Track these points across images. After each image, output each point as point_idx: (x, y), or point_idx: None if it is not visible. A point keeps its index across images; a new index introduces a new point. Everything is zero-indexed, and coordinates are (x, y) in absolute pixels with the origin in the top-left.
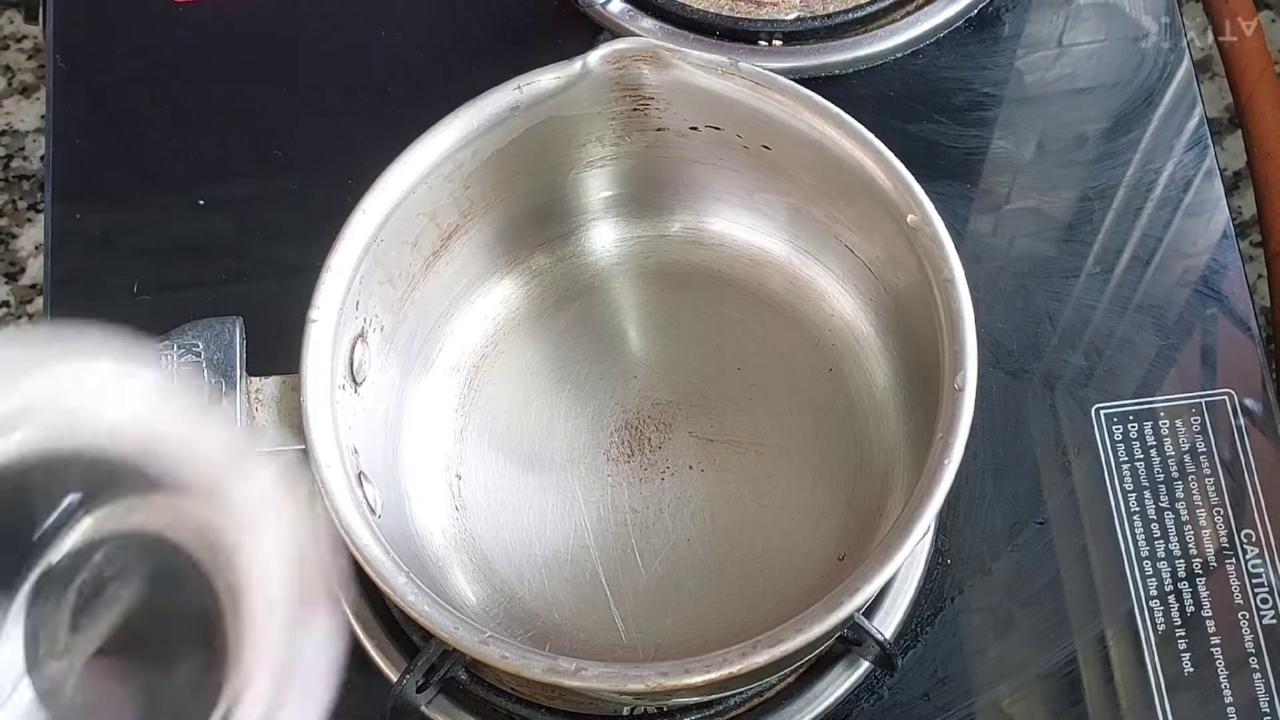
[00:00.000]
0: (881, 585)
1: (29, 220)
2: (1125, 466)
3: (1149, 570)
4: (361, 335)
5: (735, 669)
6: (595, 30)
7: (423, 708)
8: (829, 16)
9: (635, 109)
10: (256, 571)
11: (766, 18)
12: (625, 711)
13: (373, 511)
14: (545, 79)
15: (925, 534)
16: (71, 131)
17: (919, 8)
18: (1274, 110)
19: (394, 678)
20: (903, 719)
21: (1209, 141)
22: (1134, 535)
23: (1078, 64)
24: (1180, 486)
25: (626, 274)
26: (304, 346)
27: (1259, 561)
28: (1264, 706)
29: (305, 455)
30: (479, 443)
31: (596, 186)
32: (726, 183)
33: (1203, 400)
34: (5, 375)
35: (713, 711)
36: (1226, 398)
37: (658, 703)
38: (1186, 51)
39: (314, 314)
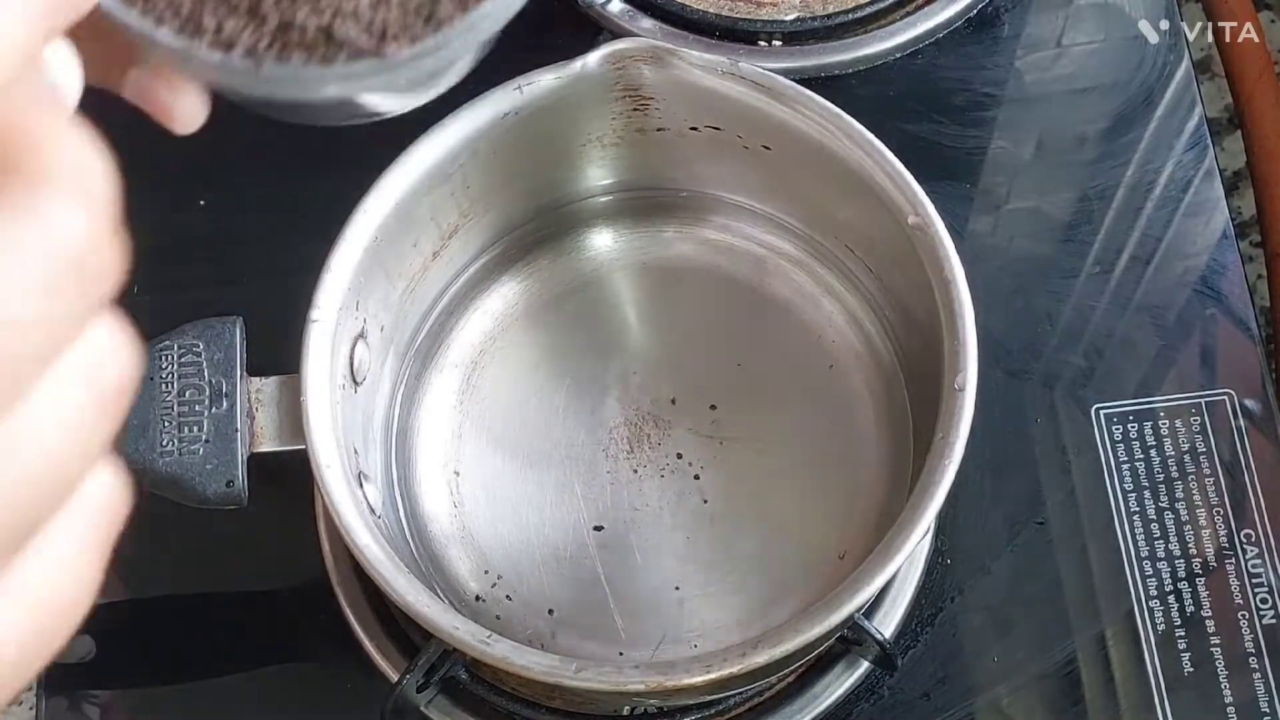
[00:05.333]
0: (882, 585)
1: None
2: (1125, 466)
3: (1149, 570)
4: (361, 335)
5: (735, 669)
6: (595, 30)
7: (423, 707)
8: (828, 17)
9: (635, 109)
10: None
11: (766, 18)
12: (625, 711)
13: (373, 511)
14: (545, 79)
15: (925, 534)
16: None
17: (918, 8)
18: (1274, 110)
19: (394, 678)
20: (903, 719)
21: (1209, 141)
22: (1134, 535)
23: (1077, 64)
24: (1180, 486)
25: (626, 272)
26: (304, 346)
27: (1259, 561)
28: (1264, 706)
29: (305, 455)
30: (478, 440)
31: (596, 186)
32: (726, 182)
33: (1202, 400)
34: None
35: (713, 711)
36: (1226, 398)
37: (658, 703)
38: (1186, 51)
39: (314, 314)
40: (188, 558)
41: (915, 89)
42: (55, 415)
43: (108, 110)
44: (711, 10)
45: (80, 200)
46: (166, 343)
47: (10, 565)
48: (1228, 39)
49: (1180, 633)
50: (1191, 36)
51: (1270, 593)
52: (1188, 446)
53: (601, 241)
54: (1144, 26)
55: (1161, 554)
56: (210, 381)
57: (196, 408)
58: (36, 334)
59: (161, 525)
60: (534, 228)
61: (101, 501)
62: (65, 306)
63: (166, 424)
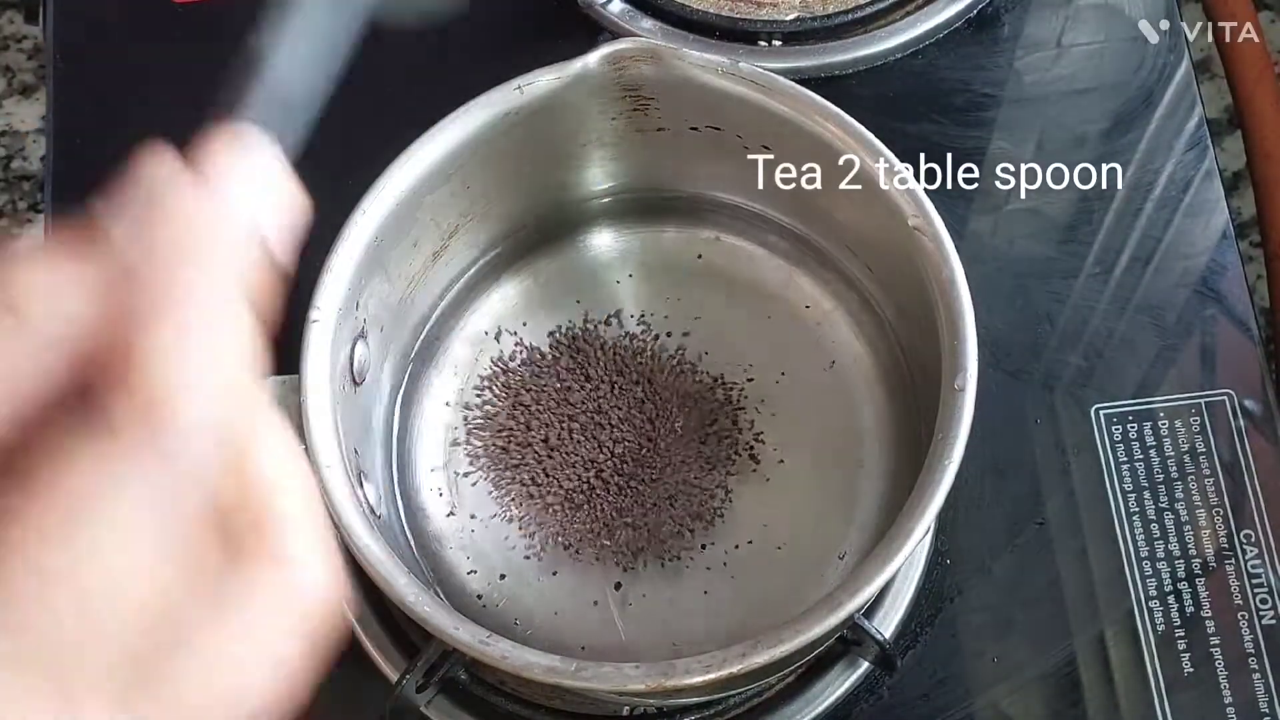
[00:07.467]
0: (881, 585)
1: (29, 221)
2: (1125, 467)
3: (1148, 570)
4: (361, 335)
5: (735, 669)
6: (595, 30)
7: (423, 708)
8: (828, 17)
9: (635, 109)
10: None
11: (766, 18)
12: (625, 711)
13: (373, 512)
14: (545, 79)
15: (925, 534)
16: (71, 132)
17: (918, 8)
18: (1274, 111)
19: (394, 678)
20: (902, 719)
21: (1208, 142)
22: (1133, 536)
23: (1077, 64)
24: (1180, 487)
25: (626, 273)
26: (304, 346)
27: (1258, 562)
28: (1264, 707)
29: (306, 455)
30: (479, 441)
31: (596, 186)
32: (727, 183)
33: (1202, 401)
34: None
35: (712, 712)
36: (1226, 398)
37: (658, 703)
38: (1186, 52)
39: (314, 314)
40: None
41: (915, 89)
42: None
43: (110, 111)
44: (711, 10)
45: (323, 558)
46: None
47: None
48: (1228, 39)
49: (1180, 633)
50: (1191, 37)
51: (1270, 593)
52: (1188, 447)
53: (601, 241)
54: (1144, 27)
55: (1161, 554)
56: None
57: None
58: (289, 674)
59: None
60: (534, 228)
61: None
62: (315, 644)
63: None
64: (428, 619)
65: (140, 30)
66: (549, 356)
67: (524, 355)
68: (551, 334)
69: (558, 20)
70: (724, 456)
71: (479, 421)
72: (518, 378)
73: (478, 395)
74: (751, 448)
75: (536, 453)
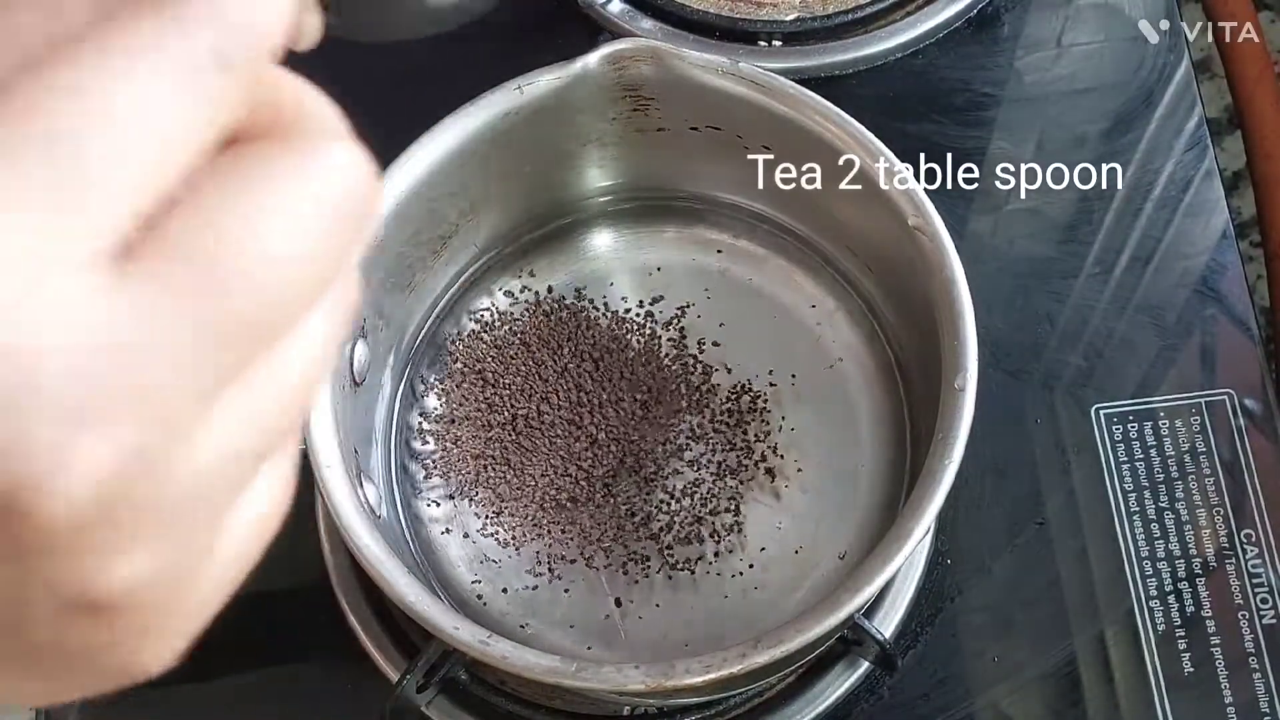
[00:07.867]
0: (882, 585)
1: None
2: (1125, 466)
3: (1149, 570)
4: (362, 335)
5: (735, 669)
6: (595, 30)
7: (423, 708)
8: (828, 17)
9: (635, 109)
10: None
11: (766, 18)
12: (625, 712)
13: (373, 512)
14: (546, 79)
15: (925, 534)
16: None
17: (918, 8)
18: (1274, 111)
19: (394, 678)
20: (902, 719)
21: (1208, 142)
22: (1134, 535)
23: (1077, 64)
24: (1180, 486)
25: (626, 273)
26: None
27: (1259, 561)
28: (1264, 706)
29: (306, 455)
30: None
31: (596, 187)
32: (727, 183)
33: (1202, 400)
34: None
35: (713, 712)
36: (1226, 398)
37: (658, 703)
38: (1186, 52)
39: None
40: None
41: (915, 89)
42: (329, 319)
43: None
44: (711, 10)
45: (350, 141)
46: None
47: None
48: (1228, 39)
49: (1180, 633)
50: (1191, 37)
51: (1270, 593)
52: (1188, 446)
53: (601, 241)
54: (1144, 27)
55: (1161, 554)
56: None
57: None
58: (325, 268)
59: None
60: (534, 228)
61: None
62: (348, 238)
63: None
64: (428, 619)
65: None
66: (527, 325)
67: (498, 330)
68: (532, 303)
69: (558, 20)
70: (738, 464)
71: (480, 420)
72: (484, 343)
73: (479, 393)
74: (766, 458)
75: (501, 437)
